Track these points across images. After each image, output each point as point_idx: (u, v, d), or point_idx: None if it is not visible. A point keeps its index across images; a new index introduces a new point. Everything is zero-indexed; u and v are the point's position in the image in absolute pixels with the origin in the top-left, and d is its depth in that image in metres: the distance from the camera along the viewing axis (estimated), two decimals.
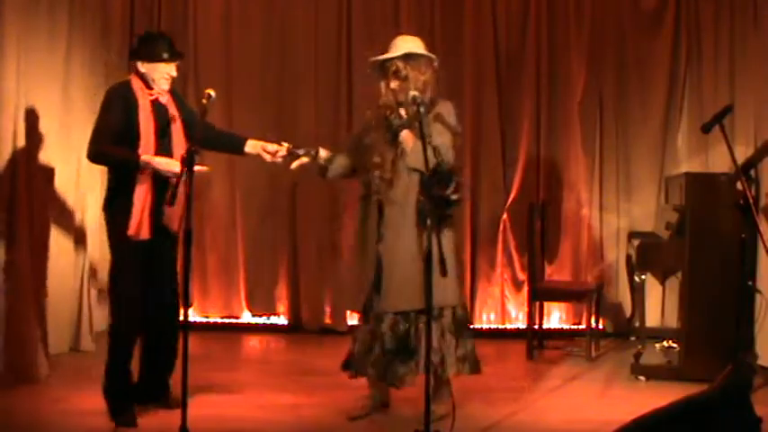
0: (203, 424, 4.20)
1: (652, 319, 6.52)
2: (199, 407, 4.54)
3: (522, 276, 6.92)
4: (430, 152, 4.07)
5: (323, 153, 4.61)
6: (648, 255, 5.72)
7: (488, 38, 6.99)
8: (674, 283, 6.36)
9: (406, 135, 4.33)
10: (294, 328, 6.99)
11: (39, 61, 5.46)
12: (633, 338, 6.20)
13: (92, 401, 4.74)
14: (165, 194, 4.23)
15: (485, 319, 7.02)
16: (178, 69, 4.55)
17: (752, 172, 5.36)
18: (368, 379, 4.53)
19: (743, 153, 5.66)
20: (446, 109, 4.43)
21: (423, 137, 4.07)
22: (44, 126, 5.53)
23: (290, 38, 7.05)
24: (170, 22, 6.97)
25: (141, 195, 4.28)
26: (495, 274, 7.00)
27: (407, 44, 4.46)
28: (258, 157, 4.73)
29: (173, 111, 4.50)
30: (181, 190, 4.18)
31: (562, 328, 6.96)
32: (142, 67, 4.47)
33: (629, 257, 6.49)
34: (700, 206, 5.42)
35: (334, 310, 6.97)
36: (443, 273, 4.12)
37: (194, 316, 6.78)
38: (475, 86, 6.99)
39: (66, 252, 5.90)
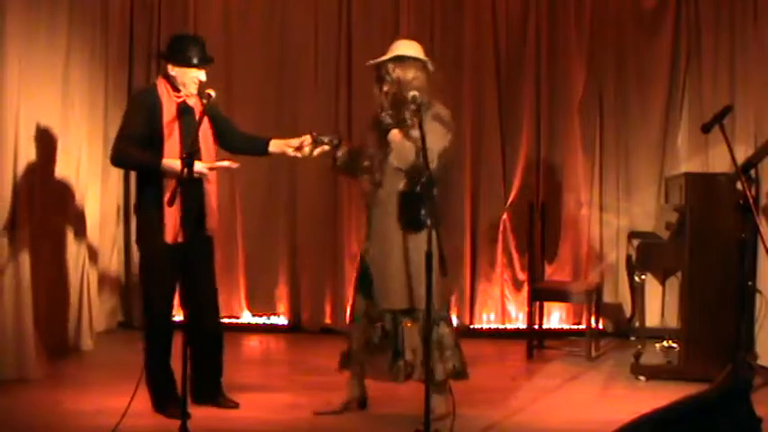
0: (203, 423, 4.21)
1: (652, 319, 6.51)
2: (199, 406, 4.55)
3: (522, 276, 6.92)
4: (410, 148, 4.18)
5: (343, 148, 4.62)
6: (648, 255, 5.72)
7: (488, 38, 6.99)
8: (674, 283, 6.36)
9: (393, 134, 4.36)
10: (294, 328, 6.99)
11: (39, 60, 5.46)
12: (633, 338, 6.20)
13: (92, 401, 4.75)
14: (196, 197, 4.35)
15: (485, 320, 7.02)
16: (211, 73, 4.56)
17: (752, 172, 5.35)
18: (350, 375, 4.56)
19: (743, 153, 5.66)
20: (440, 114, 4.41)
21: (423, 138, 4.07)
22: (44, 124, 5.53)
23: (290, 38, 7.05)
24: (170, 21, 6.98)
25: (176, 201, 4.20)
26: (495, 274, 7.00)
27: (402, 48, 4.48)
28: (282, 154, 4.73)
29: (198, 111, 4.50)
30: (210, 192, 4.37)
31: (562, 328, 6.96)
32: (172, 70, 4.48)
33: (629, 257, 6.49)
34: (700, 206, 5.42)
35: (334, 310, 6.98)
36: (444, 273, 4.15)
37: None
38: (475, 87, 6.99)
39: (65, 250, 5.89)
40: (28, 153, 5.31)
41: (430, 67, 4.50)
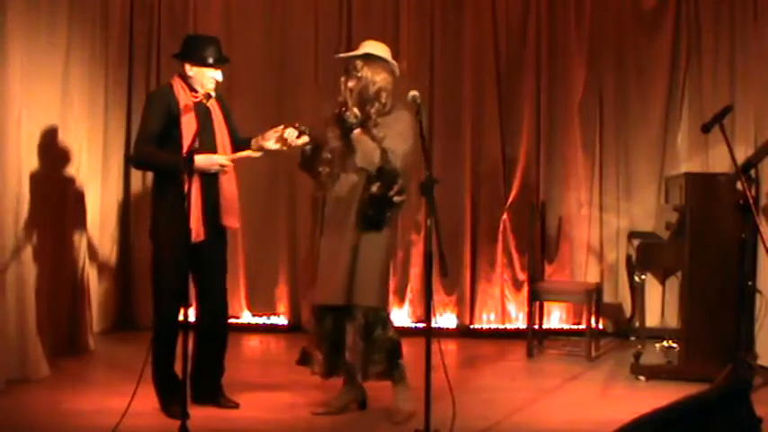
0: (203, 423, 4.21)
1: (652, 319, 6.51)
2: (199, 406, 4.55)
3: (522, 276, 6.92)
4: (375, 149, 4.25)
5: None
6: (648, 255, 5.72)
7: (488, 38, 6.98)
8: (674, 283, 6.37)
9: (357, 134, 4.36)
10: (294, 328, 6.99)
11: (39, 59, 5.46)
12: (633, 338, 6.21)
13: (92, 402, 4.75)
14: (213, 193, 4.39)
15: (485, 319, 7.02)
16: (223, 71, 4.57)
17: (752, 172, 5.36)
18: (344, 377, 4.57)
19: (743, 153, 5.67)
20: (404, 118, 4.40)
21: (423, 138, 4.08)
22: (44, 123, 5.53)
23: (290, 37, 7.05)
24: (170, 21, 6.98)
25: (193, 198, 4.21)
26: (495, 274, 7.00)
27: (371, 47, 4.50)
28: (261, 149, 4.69)
29: (216, 112, 4.53)
30: (226, 187, 4.43)
31: (562, 328, 6.96)
32: (190, 70, 4.50)
33: (629, 257, 6.49)
34: (700, 206, 5.42)
35: None
36: (444, 273, 4.15)
37: (195, 316, 6.78)
38: (475, 87, 6.99)
39: (65, 250, 5.89)
40: (28, 152, 5.31)
41: (397, 71, 4.54)
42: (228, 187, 4.56)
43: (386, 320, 4.47)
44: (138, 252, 6.84)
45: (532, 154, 6.99)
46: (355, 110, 4.39)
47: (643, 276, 5.81)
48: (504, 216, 6.98)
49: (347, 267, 4.35)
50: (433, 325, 4.02)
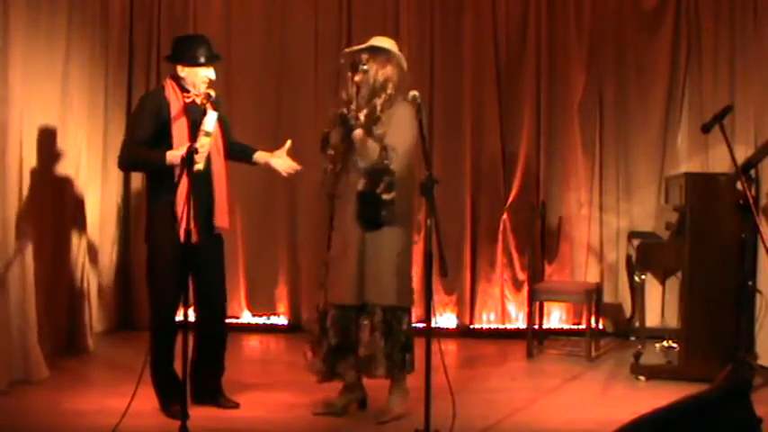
0: (203, 423, 4.21)
1: (652, 319, 6.51)
2: (199, 406, 4.55)
3: (522, 276, 6.92)
4: (375, 149, 4.24)
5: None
6: (648, 255, 5.72)
7: (488, 38, 6.98)
8: (674, 283, 6.37)
9: (357, 134, 4.34)
10: (294, 328, 6.99)
11: (38, 60, 5.46)
12: (633, 338, 6.20)
13: (92, 402, 4.76)
14: (206, 193, 4.36)
15: (485, 319, 7.02)
16: (220, 71, 4.57)
17: (752, 172, 5.36)
18: (317, 377, 4.53)
19: (743, 153, 5.67)
20: (406, 110, 4.35)
21: (423, 138, 4.09)
22: (44, 124, 5.53)
23: (290, 38, 7.05)
24: (170, 22, 6.98)
25: (181, 199, 4.17)
26: (495, 274, 7.00)
27: (377, 41, 4.49)
28: (266, 166, 4.76)
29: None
30: (217, 187, 4.38)
31: (562, 328, 6.96)
32: (182, 71, 4.49)
33: (629, 257, 6.49)
34: (700, 206, 5.42)
35: None
36: (444, 273, 4.14)
37: (194, 316, 6.79)
38: (475, 86, 6.99)
39: (65, 250, 5.89)
40: (28, 152, 5.31)
41: (404, 64, 4.51)
42: (219, 188, 4.54)
43: (402, 316, 4.43)
44: (137, 252, 6.82)
45: (532, 154, 6.99)
46: (361, 114, 4.35)
47: (643, 276, 5.81)
48: (504, 216, 6.98)
49: (355, 267, 4.33)
50: (433, 325, 4.02)
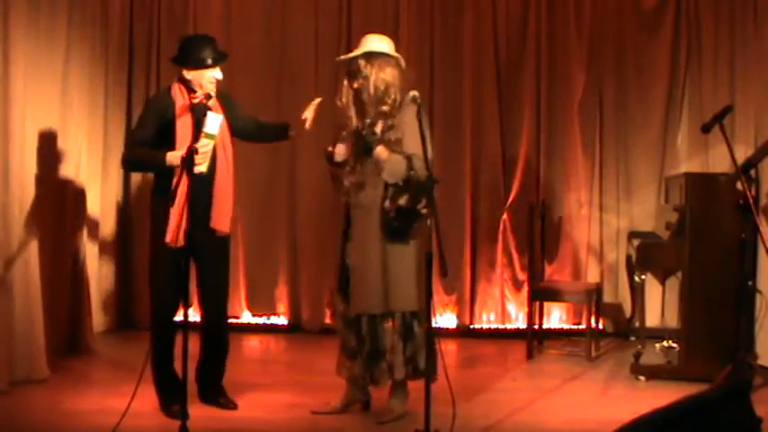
0: (203, 423, 4.22)
1: (652, 319, 6.51)
2: (199, 406, 4.55)
3: (522, 276, 6.92)
4: (401, 162, 4.21)
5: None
6: (648, 255, 5.72)
7: (488, 38, 6.98)
8: (674, 283, 6.37)
9: (380, 151, 4.30)
10: (294, 328, 6.99)
11: (38, 60, 5.46)
12: (633, 338, 6.20)
13: (92, 402, 4.76)
14: (205, 195, 4.35)
15: (485, 319, 7.02)
16: (223, 70, 4.54)
17: (752, 172, 5.36)
18: (347, 380, 4.55)
19: (743, 153, 5.67)
20: (413, 113, 4.25)
21: (423, 138, 4.08)
22: (44, 124, 5.52)
23: (290, 38, 7.05)
24: (170, 22, 6.98)
25: (180, 200, 4.12)
26: (495, 274, 7.00)
27: (373, 43, 4.43)
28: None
29: (217, 110, 4.49)
30: (219, 189, 4.35)
31: (562, 328, 6.96)
32: (188, 74, 4.48)
33: (629, 257, 6.49)
34: (700, 206, 5.42)
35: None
36: (444, 273, 4.14)
37: (195, 316, 6.78)
38: (475, 87, 6.99)
39: (65, 250, 5.89)
40: (28, 152, 5.31)
41: (402, 63, 4.48)
42: (221, 191, 4.51)
43: (421, 319, 4.42)
44: (137, 252, 6.84)
45: (532, 154, 6.99)
46: (376, 128, 4.32)
47: (643, 276, 5.81)
48: (504, 216, 6.98)
49: (379, 279, 4.31)
50: (433, 325, 4.03)
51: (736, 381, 2.89)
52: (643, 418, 2.70)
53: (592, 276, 6.92)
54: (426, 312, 3.97)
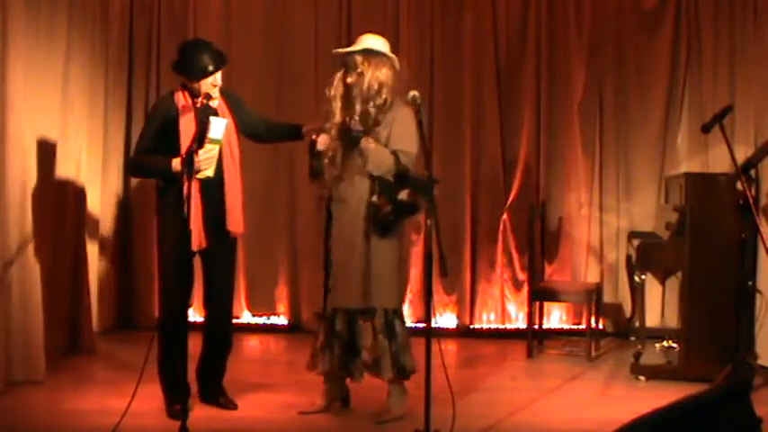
0: (203, 423, 4.22)
1: (652, 319, 6.51)
2: (199, 406, 4.56)
3: (522, 276, 6.92)
4: (386, 155, 4.22)
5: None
6: (648, 255, 5.72)
7: (488, 38, 6.98)
8: (674, 283, 6.37)
9: (366, 141, 4.32)
10: (294, 328, 6.99)
11: (38, 60, 5.45)
12: (633, 338, 6.21)
13: (92, 401, 4.76)
14: (217, 197, 4.39)
15: (485, 319, 7.02)
16: (223, 71, 4.53)
17: (752, 172, 5.36)
18: (324, 375, 4.55)
19: (743, 153, 5.67)
20: (405, 114, 4.35)
21: (423, 138, 4.08)
22: (44, 124, 5.52)
23: (290, 38, 7.05)
24: (170, 22, 6.98)
25: (193, 206, 4.17)
26: (495, 274, 7.00)
27: (371, 41, 4.45)
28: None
29: (222, 113, 4.50)
30: (229, 191, 4.39)
31: (562, 328, 6.96)
32: (189, 83, 4.48)
33: (629, 257, 6.49)
34: (700, 206, 5.42)
35: None
36: (444, 273, 4.14)
37: (195, 316, 6.78)
38: (475, 86, 6.99)
39: (65, 250, 5.89)
40: (29, 152, 5.31)
41: (397, 65, 4.49)
42: (232, 194, 4.54)
43: (401, 317, 4.47)
44: (137, 252, 6.85)
45: (532, 154, 6.99)
46: (356, 118, 4.33)
47: (643, 276, 5.81)
48: (504, 216, 6.98)
49: (361, 272, 4.34)
50: (433, 325, 4.03)
51: (736, 381, 2.89)
52: (643, 418, 2.70)
53: (592, 276, 6.92)
54: (426, 312, 3.96)
